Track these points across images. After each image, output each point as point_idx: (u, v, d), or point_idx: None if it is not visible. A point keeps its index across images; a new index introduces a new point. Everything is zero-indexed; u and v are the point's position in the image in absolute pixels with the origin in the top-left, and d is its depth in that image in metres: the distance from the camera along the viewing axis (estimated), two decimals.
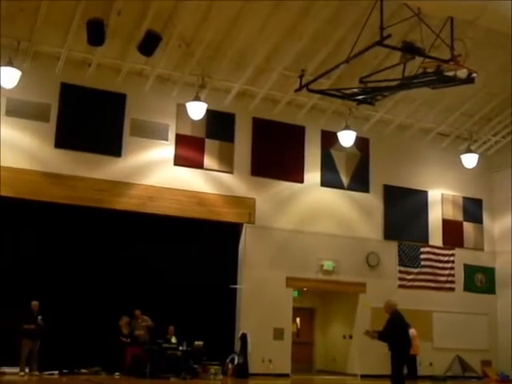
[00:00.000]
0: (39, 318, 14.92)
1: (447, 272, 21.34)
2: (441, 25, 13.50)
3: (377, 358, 19.10)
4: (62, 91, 16.85)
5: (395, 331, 11.78)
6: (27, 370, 14.79)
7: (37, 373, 14.89)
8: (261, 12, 15.56)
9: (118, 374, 15.81)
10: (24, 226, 16.20)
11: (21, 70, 15.17)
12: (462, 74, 13.35)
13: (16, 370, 14.74)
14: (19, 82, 15.25)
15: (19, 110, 16.31)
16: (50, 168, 16.42)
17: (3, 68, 14.94)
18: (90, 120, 16.97)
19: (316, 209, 19.63)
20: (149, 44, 15.15)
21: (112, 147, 17.21)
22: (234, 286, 18.08)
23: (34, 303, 15.02)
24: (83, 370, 15.78)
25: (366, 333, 12.38)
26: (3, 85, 15.23)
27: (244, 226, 18.63)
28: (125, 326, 16.18)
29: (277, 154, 19.22)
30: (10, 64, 14.92)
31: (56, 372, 15.44)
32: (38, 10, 14.78)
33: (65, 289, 16.21)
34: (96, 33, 14.58)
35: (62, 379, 15.08)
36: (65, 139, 16.68)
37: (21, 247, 16.12)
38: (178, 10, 15.25)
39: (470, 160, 20.32)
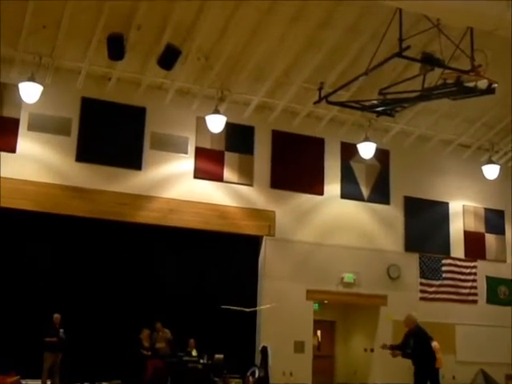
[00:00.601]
0: (61, 330, 14.96)
1: (469, 284, 21.12)
2: (460, 35, 13.45)
3: (398, 370, 18.93)
4: (82, 105, 17.01)
5: (419, 346, 11.69)
6: (49, 383, 14.82)
7: None
8: (279, 25, 15.60)
9: None
10: (45, 240, 16.33)
11: (42, 85, 15.31)
12: (483, 84, 13.27)
13: (38, 382, 14.78)
14: (41, 96, 15.40)
15: (41, 124, 16.49)
16: (71, 181, 16.56)
17: (25, 83, 15.11)
18: (111, 134, 17.09)
19: (336, 221, 19.56)
20: (168, 58, 15.24)
21: (132, 160, 17.31)
22: (252, 309, 17.76)
23: (56, 316, 15.08)
24: (104, 383, 15.80)
25: (383, 347, 12.29)
26: (25, 100, 15.40)
27: (264, 239, 18.61)
28: (146, 338, 16.18)
29: (296, 166, 19.20)
30: (31, 79, 15.09)
31: None
32: (59, 25, 14.97)
33: (86, 302, 16.29)
34: (116, 47, 14.71)
35: None
36: (86, 153, 16.82)
37: (42, 260, 16.24)
38: (197, 24, 15.34)
39: (491, 171, 20.14)
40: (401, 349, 12.08)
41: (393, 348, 12.24)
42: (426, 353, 11.80)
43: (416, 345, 11.73)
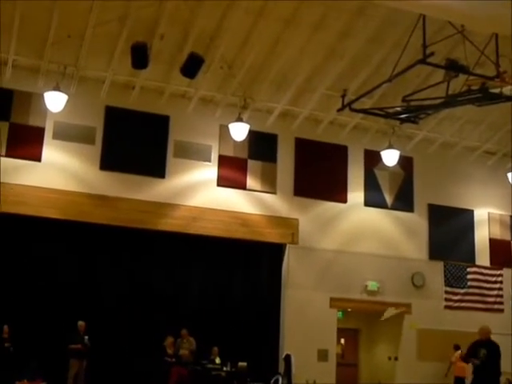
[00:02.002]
0: (86, 338, 15.05)
1: (495, 293, 20.88)
2: (485, 41, 13.37)
3: (423, 380, 18.86)
4: (106, 114, 17.15)
5: (491, 358, 11.72)
6: None
7: None
8: (302, 33, 15.62)
9: None
10: (70, 248, 16.47)
11: (67, 94, 15.44)
12: (508, 90, 13.16)
13: None
14: (65, 105, 15.52)
15: (65, 133, 16.65)
16: (95, 190, 16.68)
17: (50, 92, 15.26)
18: (134, 142, 17.20)
19: (360, 229, 19.46)
20: (191, 66, 15.26)
21: (156, 169, 17.40)
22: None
23: (81, 323, 15.17)
24: None
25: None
26: (50, 109, 15.56)
27: (287, 247, 18.57)
28: (170, 346, 16.19)
29: (320, 174, 19.15)
30: (56, 88, 15.23)
31: None
32: (83, 35, 15.12)
33: (111, 309, 16.39)
34: (140, 56, 14.77)
35: None
36: (110, 161, 16.94)
37: (67, 268, 16.37)
38: (220, 32, 15.41)
39: None
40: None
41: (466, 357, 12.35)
42: (497, 366, 11.76)
43: (488, 356, 11.67)
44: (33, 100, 16.28)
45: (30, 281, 15.86)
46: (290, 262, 18.50)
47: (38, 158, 16.28)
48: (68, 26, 14.85)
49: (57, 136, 16.58)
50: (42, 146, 16.39)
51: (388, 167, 19.08)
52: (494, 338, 20.07)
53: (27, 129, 16.31)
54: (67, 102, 15.49)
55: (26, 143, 16.20)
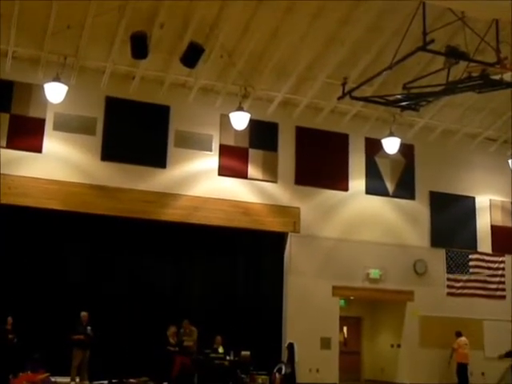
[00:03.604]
0: (88, 328, 15.11)
1: (497, 279, 20.90)
2: (485, 28, 13.32)
3: (426, 367, 18.94)
4: (107, 105, 17.12)
5: None
6: (78, 380, 14.97)
7: (87, 382, 15.07)
8: (302, 21, 15.58)
9: (165, 383, 15.90)
10: (72, 238, 16.49)
11: (67, 85, 15.44)
12: (509, 77, 13.13)
13: (67, 379, 14.93)
14: (66, 96, 15.53)
15: (66, 124, 16.63)
16: (96, 180, 16.68)
17: (51, 83, 15.25)
18: (135, 132, 17.19)
19: (361, 217, 19.47)
20: (191, 56, 15.25)
21: (157, 159, 17.39)
22: None
23: (84, 314, 15.23)
24: (132, 380, 15.88)
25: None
26: (51, 100, 15.55)
27: (289, 235, 18.59)
28: (172, 335, 16.25)
29: (321, 162, 19.14)
30: (57, 79, 15.22)
31: (105, 382, 15.60)
32: (83, 26, 15.10)
33: (113, 299, 16.45)
34: (139, 46, 14.76)
35: None
36: (111, 152, 16.93)
37: (69, 259, 16.44)
38: (220, 21, 15.38)
39: None
40: None
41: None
42: None
43: None
44: (33, 91, 16.26)
45: (33, 272, 15.89)
46: (292, 250, 18.52)
47: (38, 150, 16.27)
48: (67, 17, 14.84)
49: (57, 127, 16.56)
50: (43, 138, 16.37)
51: (389, 155, 19.06)
52: (495, 324, 20.26)
53: (28, 120, 16.29)
54: (67, 92, 15.49)
55: (27, 135, 16.19)
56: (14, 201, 15.59)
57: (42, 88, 15.44)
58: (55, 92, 15.35)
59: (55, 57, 15.78)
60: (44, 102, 15.92)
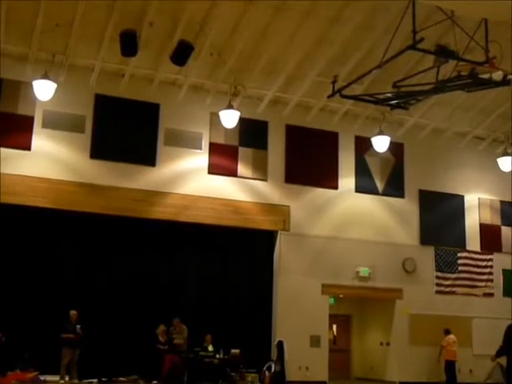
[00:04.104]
0: (78, 326, 15.08)
1: (485, 277, 21.01)
2: (475, 27, 13.36)
3: (415, 364, 19.01)
4: (96, 102, 17.06)
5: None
6: (67, 378, 14.94)
7: (76, 381, 15.06)
8: (292, 20, 15.57)
9: (155, 382, 15.89)
10: (61, 236, 16.42)
11: (56, 83, 15.38)
12: (498, 76, 13.18)
13: (56, 378, 14.91)
14: (55, 94, 15.47)
15: (55, 121, 16.56)
16: (85, 178, 16.62)
17: (39, 81, 15.18)
18: (125, 130, 17.13)
19: (351, 215, 19.51)
20: (181, 54, 15.24)
21: (146, 157, 17.35)
22: None
23: (73, 312, 15.20)
24: (121, 378, 15.89)
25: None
26: (39, 97, 15.48)
27: (279, 234, 18.60)
28: (162, 334, 16.25)
29: (310, 160, 19.16)
30: (45, 77, 15.15)
31: (95, 380, 15.60)
32: (72, 23, 15.03)
33: (102, 298, 16.40)
34: (129, 44, 14.73)
35: None
36: (100, 150, 16.87)
37: (58, 257, 16.36)
38: (210, 19, 15.34)
39: (506, 163, 19.93)
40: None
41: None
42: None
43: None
44: (22, 89, 16.18)
45: (22, 271, 15.82)
46: (282, 248, 18.53)
47: (27, 147, 16.19)
48: (56, 14, 14.79)
49: (46, 125, 16.49)
50: (32, 135, 16.30)
51: (379, 153, 19.10)
52: (484, 322, 20.34)
53: (16, 118, 16.21)
54: (56, 90, 15.44)
55: (16, 132, 16.10)
56: (3, 199, 15.44)
57: (31, 85, 15.37)
58: (44, 89, 15.29)
59: (44, 54, 15.71)
60: (33, 100, 15.85)
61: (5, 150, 15.88)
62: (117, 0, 14.60)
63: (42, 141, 16.37)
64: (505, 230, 21.69)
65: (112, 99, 17.10)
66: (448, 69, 14.01)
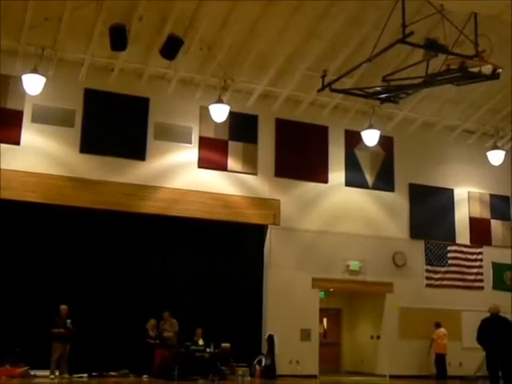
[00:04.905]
0: (68, 321, 15.05)
1: (475, 270, 21.11)
2: (464, 21, 13.39)
3: (405, 358, 19.09)
4: (85, 97, 17.00)
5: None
6: (57, 373, 14.90)
7: (67, 376, 15.03)
8: (281, 14, 15.55)
9: (146, 376, 15.89)
10: (51, 231, 16.37)
11: (45, 77, 15.32)
12: (487, 69, 13.21)
13: (46, 373, 14.89)
14: (44, 88, 15.41)
15: (44, 116, 16.49)
16: (75, 173, 16.57)
17: (28, 75, 15.11)
18: (114, 124, 17.08)
19: (341, 209, 19.54)
20: (171, 48, 15.19)
21: (136, 151, 17.31)
22: None
23: (63, 307, 15.17)
24: (112, 373, 15.89)
25: None
26: (28, 92, 15.41)
27: (269, 228, 18.61)
28: (152, 328, 16.24)
29: (300, 154, 19.18)
30: (34, 71, 15.09)
31: (85, 375, 15.59)
32: (61, 17, 14.95)
33: (92, 292, 16.36)
34: (118, 38, 14.66)
35: (91, 382, 15.22)
36: (89, 144, 16.82)
37: (48, 252, 16.29)
38: (199, 13, 15.30)
39: (496, 157, 20.06)
40: None
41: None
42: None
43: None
44: (11, 83, 16.09)
45: (12, 266, 15.74)
46: (272, 243, 18.55)
47: (16, 142, 16.12)
48: (45, 8, 14.71)
49: (36, 119, 16.42)
50: (21, 130, 16.23)
51: (368, 147, 19.15)
52: (473, 315, 20.39)
53: (5, 112, 16.12)
54: (45, 84, 15.38)
55: (5, 127, 16.01)
56: None
57: (20, 80, 15.30)
58: (33, 84, 15.24)
59: (33, 48, 15.63)
60: (22, 94, 15.77)
61: None
62: None
63: (31, 135, 16.31)
64: (494, 223, 21.80)
65: (101, 93, 17.05)
66: (438, 62, 14.04)
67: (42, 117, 16.48)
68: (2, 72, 16.03)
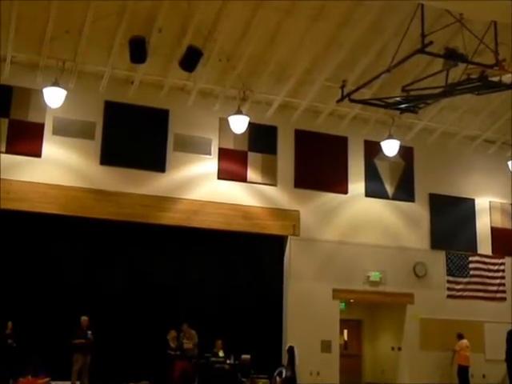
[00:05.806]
0: (89, 332, 15.07)
1: (498, 281, 20.88)
2: (484, 29, 13.33)
3: (426, 369, 18.91)
4: (106, 109, 17.12)
5: None
6: None
7: None
8: (300, 24, 15.60)
9: None
10: (71, 243, 16.45)
11: (66, 90, 15.45)
12: (508, 79, 13.13)
13: (67, 383, 14.91)
14: (65, 101, 15.53)
15: (65, 128, 16.64)
16: (95, 185, 16.68)
17: (49, 88, 15.26)
18: (134, 136, 17.19)
19: (361, 219, 19.46)
20: (190, 59, 15.27)
21: (156, 163, 17.39)
22: None
23: (84, 318, 15.19)
24: None
25: None
26: (50, 104, 15.56)
27: (289, 239, 18.57)
28: (172, 339, 16.23)
29: (320, 165, 19.14)
30: (55, 84, 15.22)
31: None
32: (81, 30, 15.11)
33: (113, 303, 16.41)
34: (138, 50, 14.78)
35: None
36: (110, 156, 16.93)
37: (69, 263, 16.38)
38: (218, 25, 15.38)
39: None
40: None
41: None
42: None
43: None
44: (32, 96, 16.25)
45: (33, 277, 15.87)
46: (292, 253, 18.50)
47: (38, 154, 16.27)
48: (66, 21, 14.88)
49: (56, 131, 16.57)
50: (42, 142, 16.38)
51: (388, 157, 19.06)
52: (496, 326, 20.17)
53: (27, 125, 16.30)
54: (66, 97, 15.50)
55: (26, 139, 16.19)
56: (14, 206, 15.57)
57: (41, 93, 15.44)
58: (54, 97, 15.35)
59: (54, 61, 15.78)
60: (43, 107, 15.91)
61: (15, 157, 15.98)
62: (126, 7, 14.66)
63: (52, 147, 16.45)
64: None
65: (121, 105, 17.16)
66: (457, 72, 13.98)
67: (63, 129, 16.62)
68: (24, 85, 16.27)
